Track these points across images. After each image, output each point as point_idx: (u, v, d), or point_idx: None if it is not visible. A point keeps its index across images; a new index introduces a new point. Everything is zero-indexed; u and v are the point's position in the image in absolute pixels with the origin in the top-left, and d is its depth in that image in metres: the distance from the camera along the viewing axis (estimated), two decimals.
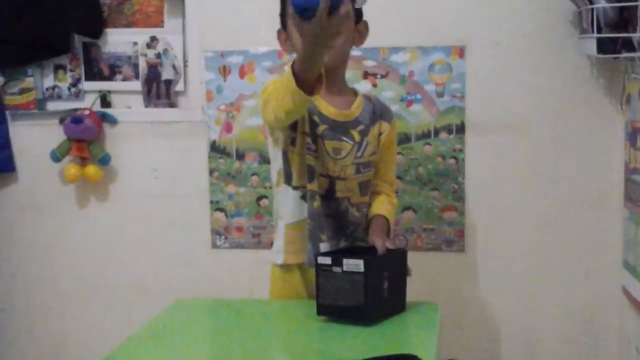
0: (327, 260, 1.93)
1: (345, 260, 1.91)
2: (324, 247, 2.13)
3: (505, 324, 2.76)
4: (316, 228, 2.13)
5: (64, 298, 3.00)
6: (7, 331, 3.04)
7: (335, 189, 2.16)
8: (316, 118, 2.12)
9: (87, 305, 2.98)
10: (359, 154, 2.18)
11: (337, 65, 2.13)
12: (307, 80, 1.82)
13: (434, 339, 1.84)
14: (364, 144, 2.19)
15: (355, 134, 2.17)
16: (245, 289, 2.77)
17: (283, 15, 2.17)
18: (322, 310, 1.94)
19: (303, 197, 2.15)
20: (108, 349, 1.79)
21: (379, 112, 2.25)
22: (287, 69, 1.84)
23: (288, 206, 2.16)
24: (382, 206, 2.26)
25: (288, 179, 2.15)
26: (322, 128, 2.13)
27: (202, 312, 2.22)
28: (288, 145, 2.13)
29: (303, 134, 2.11)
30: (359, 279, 1.88)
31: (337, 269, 1.91)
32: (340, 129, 2.15)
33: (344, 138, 2.15)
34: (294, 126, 2.09)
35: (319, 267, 1.94)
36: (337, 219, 2.17)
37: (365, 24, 2.20)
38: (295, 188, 2.14)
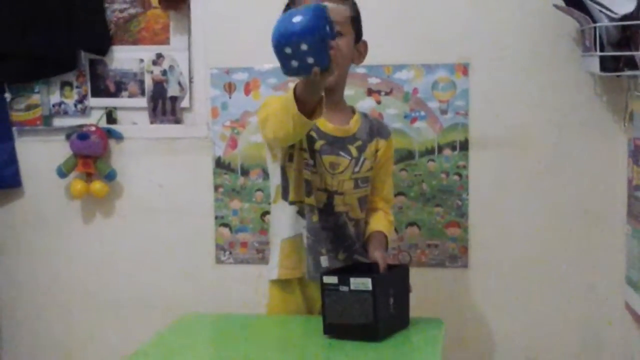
0: (333, 280, 1.92)
1: (352, 280, 1.90)
2: (324, 260, 2.15)
3: (509, 340, 2.76)
4: (316, 242, 2.16)
5: (69, 312, 3.00)
6: (12, 344, 3.05)
7: (334, 203, 2.19)
8: (314, 134, 2.15)
9: (92, 320, 2.99)
10: (357, 169, 2.21)
11: (336, 83, 2.17)
12: (308, 104, 1.84)
13: (438, 355, 1.84)
14: (362, 159, 2.22)
15: (353, 149, 2.20)
16: (249, 304, 2.78)
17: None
18: (328, 329, 1.94)
19: (300, 212, 2.17)
20: None
21: (376, 129, 2.29)
22: (289, 91, 1.85)
23: (285, 221, 2.18)
24: (380, 223, 2.29)
25: (285, 194, 2.18)
26: (319, 143, 2.15)
27: (207, 327, 2.22)
28: (286, 161, 2.16)
29: (301, 149, 2.14)
30: (367, 297, 1.88)
31: (344, 288, 1.91)
32: (338, 144, 2.18)
33: (342, 153, 2.18)
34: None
35: (325, 287, 1.94)
36: (335, 233, 2.19)
37: (365, 44, 2.25)
38: (292, 203, 2.17)
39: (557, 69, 2.64)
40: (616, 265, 2.62)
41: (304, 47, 1.67)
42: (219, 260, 2.89)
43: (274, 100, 2.04)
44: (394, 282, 2.01)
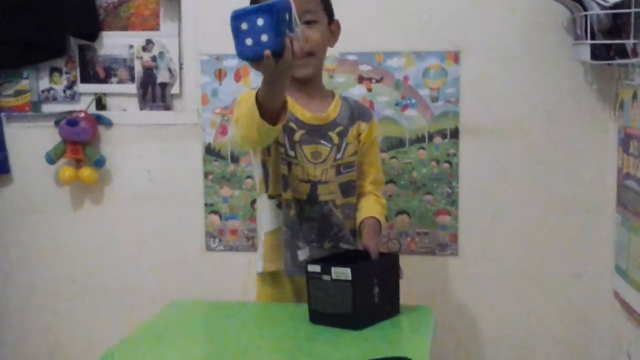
0: (316, 268, 1.94)
1: (333, 269, 1.92)
2: (301, 254, 2.15)
3: (498, 328, 2.77)
4: (293, 236, 2.16)
5: (58, 299, 3.00)
6: (2, 332, 3.04)
7: (318, 192, 2.17)
8: (293, 125, 2.13)
9: (82, 307, 2.98)
10: (339, 155, 2.19)
11: (312, 72, 2.16)
12: (270, 109, 1.83)
13: (428, 342, 1.85)
14: (344, 145, 2.20)
15: (334, 136, 2.19)
16: (239, 291, 2.78)
17: None
18: (313, 317, 1.96)
19: (279, 206, 2.17)
20: (102, 350, 1.80)
21: (356, 113, 2.27)
22: (253, 96, 1.85)
23: (266, 214, 2.19)
24: (372, 208, 2.27)
25: (266, 188, 2.18)
26: (299, 134, 2.14)
27: (196, 314, 2.22)
28: (265, 155, 2.15)
29: (277, 144, 2.12)
30: (347, 286, 1.90)
31: (326, 277, 1.92)
32: (318, 132, 2.17)
33: (322, 141, 2.17)
34: None
35: (309, 275, 1.96)
36: (320, 222, 2.18)
37: (337, 24, 2.23)
38: (270, 197, 2.17)
39: (548, 57, 2.64)
40: (605, 254, 2.63)
41: (259, 22, 1.67)
42: (208, 248, 2.89)
43: (247, 99, 1.98)
44: (379, 271, 2.01)
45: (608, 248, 2.61)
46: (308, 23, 2.09)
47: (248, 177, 2.82)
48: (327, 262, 1.97)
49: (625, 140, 2.43)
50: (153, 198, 2.90)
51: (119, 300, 2.94)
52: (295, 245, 2.16)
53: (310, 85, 2.18)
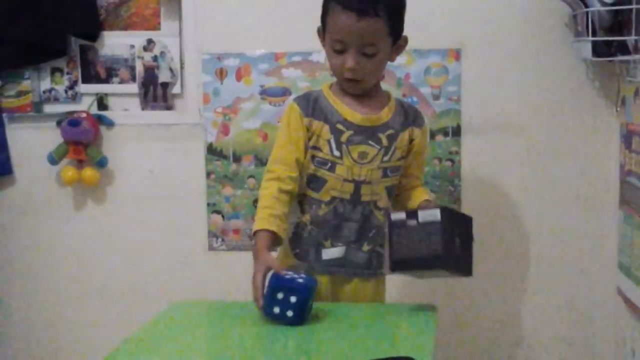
0: (401, 216, 1.95)
1: (420, 212, 1.94)
2: (325, 253, 2.14)
3: (502, 325, 2.77)
4: (320, 233, 2.14)
5: (61, 300, 3.00)
6: (5, 332, 3.04)
7: (361, 192, 2.13)
8: (340, 126, 2.10)
9: (84, 307, 2.98)
10: (387, 158, 2.14)
11: (363, 90, 2.13)
12: None
13: (431, 340, 1.84)
14: (392, 148, 2.14)
15: (383, 138, 2.13)
16: (242, 291, 2.75)
17: (324, 18, 2.10)
18: (395, 265, 1.96)
19: (299, 203, 2.15)
20: (105, 351, 1.80)
21: (411, 118, 2.20)
22: (256, 226, 2.00)
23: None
24: (426, 194, 2.26)
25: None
26: (347, 135, 2.10)
27: (199, 314, 2.22)
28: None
29: (314, 148, 2.12)
30: (436, 227, 1.91)
31: (412, 222, 1.93)
32: (368, 133, 2.12)
33: (370, 142, 2.12)
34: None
35: (392, 225, 1.96)
36: (360, 223, 2.15)
37: (405, 40, 2.14)
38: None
39: (549, 54, 2.64)
40: (608, 251, 2.63)
41: (292, 299, 1.83)
42: (211, 247, 2.89)
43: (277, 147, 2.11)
44: (459, 224, 2.02)
45: (611, 245, 2.61)
46: (366, 55, 2.03)
47: (250, 176, 2.81)
48: (410, 210, 2.00)
49: (627, 137, 2.43)
50: (155, 198, 2.90)
51: (122, 300, 2.94)
52: (319, 244, 2.14)
53: (367, 90, 2.14)
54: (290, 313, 1.84)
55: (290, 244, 2.17)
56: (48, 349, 3.03)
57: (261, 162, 2.77)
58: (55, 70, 2.93)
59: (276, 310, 1.84)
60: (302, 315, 1.85)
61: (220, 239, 2.87)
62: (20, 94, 2.93)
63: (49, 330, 3.02)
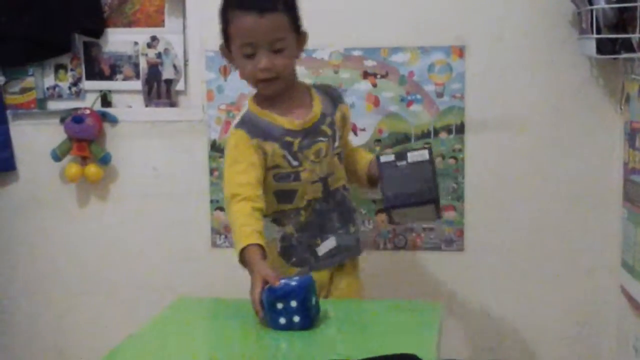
0: (389, 158, 2.05)
1: (409, 153, 2.04)
2: (322, 248, 2.18)
3: (505, 323, 2.77)
4: (309, 238, 2.18)
5: (65, 297, 3.00)
6: (8, 330, 3.05)
7: (329, 184, 2.20)
8: (287, 138, 2.13)
9: (88, 304, 2.99)
10: (336, 144, 2.21)
11: (286, 86, 2.15)
12: None
13: (435, 338, 1.84)
14: (336, 133, 2.21)
15: (326, 128, 2.19)
16: (245, 288, 2.75)
17: (225, 31, 2.15)
18: (388, 201, 2.03)
19: (274, 221, 2.18)
20: (109, 347, 1.80)
21: (335, 97, 2.28)
22: (238, 242, 2.01)
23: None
24: (366, 153, 2.37)
25: None
26: (296, 143, 2.14)
27: (202, 311, 2.22)
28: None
29: (270, 169, 2.13)
30: (426, 165, 2.02)
31: (401, 163, 2.03)
32: (312, 132, 2.16)
33: (319, 138, 2.17)
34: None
35: (382, 166, 2.04)
36: (339, 211, 2.22)
37: (304, 35, 2.18)
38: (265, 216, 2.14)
39: (553, 52, 2.63)
40: (612, 249, 2.63)
41: (293, 304, 1.83)
42: (214, 244, 2.89)
43: (229, 188, 2.10)
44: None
45: (615, 243, 2.61)
46: (276, 52, 2.07)
47: None
48: (397, 152, 2.08)
49: (631, 135, 2.43)
50: (159, 195, 2.90)
51: (126, 297, 2.95)
52: (312, 245, 2.19)
53: (287, 93, 2.16)
54: (297, 318, 1.83)
55: (283, 258, 2.20)
56: (52, 346, 3.03)
57: None
58: (59, 67, 2.93)
59: (282, 321, 1.84)
60: (309, 316, 1.85)
61: (223, 236, 2.87)
62: (24, 90, 2.93)
63: (53, 326, 3.02)
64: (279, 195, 2.17)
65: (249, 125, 2.14)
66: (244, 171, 2.08)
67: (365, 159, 2.30)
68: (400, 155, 2.04)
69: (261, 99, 2.18)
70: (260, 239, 2.00)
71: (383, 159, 2.06)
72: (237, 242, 2.01)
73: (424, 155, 2.03)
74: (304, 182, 2.15)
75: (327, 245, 2.20)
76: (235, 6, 2.08)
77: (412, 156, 2.03)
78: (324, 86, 2.34)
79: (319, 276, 2.14)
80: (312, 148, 2.15)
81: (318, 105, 2.20)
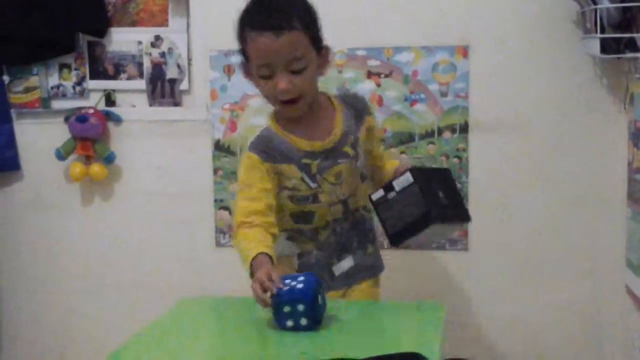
0: (379, 194, 2.02)
1: (394, 182, 2.00)
2: (337, 269, 2.17)
3: (509, 323, 2.77)
4: (327, 256, 2.16)
5: (68, 296, 3.00)
6: (12, 328, 3.05)
7: (349, 205, 2.15)
8: (306, 160, 2.07)
9: (91, 303, 2.99)
10: (358, 163, 2.14)
11: (304, 109, 2.07)
12: None
13: (439, 337, 1.84)
14: (359, 152, 2.14)
15: (349, 149, 2.11)
16: (249, 287, 2.77)
17: (244, 50, 2.08)
18: (394, 239, 2.01)
19: (289, 239, 2.15)
20: (112, 346, 1.80)
21: (360, 109, 2.18)
22: (247, 258, 1.96)
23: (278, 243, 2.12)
24: (393, 161, 2.30)
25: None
26: (315, 165, 2.07)
27: (206, 310, 2.22)
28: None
29: (283, 189, 2.09)
30: (413, 190, 1.97)
31: (391, 194, 2.00)
32: (333, 153, 2.09)
33: (340, 160, 2.10)
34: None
35: (376, 204, 2.02)
36: (357, 232, 2.18)
37: (327, 50, 2.08)
38: (283, 230, 2.13)
39: (557, 51, 2.63)
40: (616, 248, 2.62)
41: (300, 307, 1.82)
42: (218, 244, 2.89)
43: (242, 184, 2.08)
44: (434, 177, 2.07)
45: (619, 242, 2.60)
46: (295, 72, 1.98)
47: None
48: (385, 185, 2.03)
49: (635, 134, 2.42)
50: (162, 194, 2.91)
51: (129, 297, 2.95)
52: (329, 264, 2.16)
53: (309, 111, 2.08)
54: (304, 321, 1.83)
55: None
56: (55, 345, 3.04)
57: None
58: (63, 67, 2.93)
59: (290, 323, 1.83)
60: (316, 318, 1.85)
61: (227, 235, 2.87)
62: (28, 90, 2.94)
63: (56, 325, 3.03)
64: (297, 216, 2.12)
65: (264, 146, 2.07)
66: (254, 198, 2.03)
67: (389, 171, 2.20)
68: (388, 187, 2.00)
69: (281, 116, 2.10)
70: (269, 249, 1.96)
71: (374, 196, 2.02)
72: (245, 260, 1.97)
73: (408, 179, 1.98)
74: (322, 205, 2.10)
75: (344, 265, 2.16)
76: (250, 26, 1.99)
77: (398, 183, 1.99)
78: (349, 97, 2.25)
79: (333, 295, 2.12)
80: (332, 170, 2.08)
81: (340, 124, 2.11)
